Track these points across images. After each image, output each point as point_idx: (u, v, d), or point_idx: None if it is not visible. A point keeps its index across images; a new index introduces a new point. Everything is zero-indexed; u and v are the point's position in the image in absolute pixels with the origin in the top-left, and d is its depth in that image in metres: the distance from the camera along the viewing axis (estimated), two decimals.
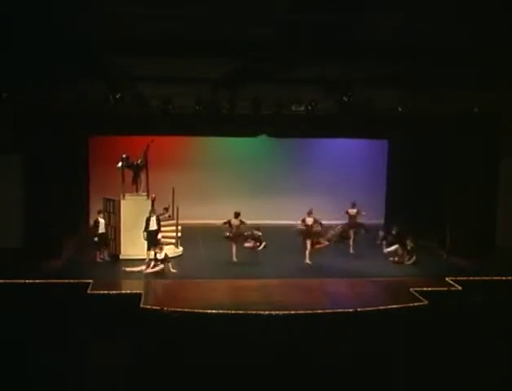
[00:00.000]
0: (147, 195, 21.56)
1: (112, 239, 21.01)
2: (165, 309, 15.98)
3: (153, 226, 20.22)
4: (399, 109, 19.90)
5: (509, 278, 19.03)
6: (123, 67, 17.77)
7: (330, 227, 21.56)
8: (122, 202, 21.10)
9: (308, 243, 20.63)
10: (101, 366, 12.63)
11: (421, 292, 17.64)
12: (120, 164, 21.27)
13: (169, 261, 19.60)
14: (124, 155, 21.36)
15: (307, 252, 20.59)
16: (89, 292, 17.29)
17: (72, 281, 18.08)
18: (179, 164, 25.80)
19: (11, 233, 20.24)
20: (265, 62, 17.57)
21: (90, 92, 18.76)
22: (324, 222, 21.05)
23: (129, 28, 15.73)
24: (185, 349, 13.23)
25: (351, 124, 21.10)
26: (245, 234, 20.90)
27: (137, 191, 21.68)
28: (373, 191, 25.96)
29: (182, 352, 13.12)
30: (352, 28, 15.96)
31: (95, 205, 23.85)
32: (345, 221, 22.09)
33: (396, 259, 21.10)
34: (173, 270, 19.51)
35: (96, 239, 20.65)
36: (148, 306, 16.29)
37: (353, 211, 22.02)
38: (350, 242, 21.96)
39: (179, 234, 22.10)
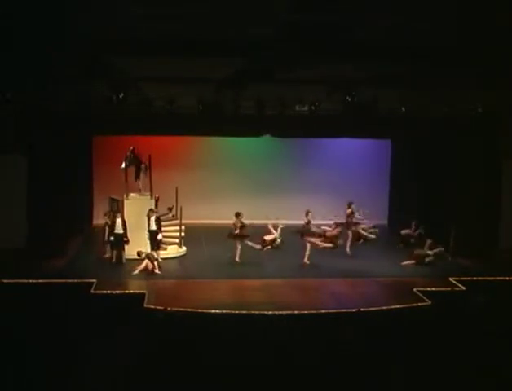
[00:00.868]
0: (151, 195, 21.60)
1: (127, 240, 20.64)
2: (169, 308, 16.01)
3: (152, 226, 20.25)
4: (403, 109, 19.90)
5: None
6: (124, 67, 17.80)
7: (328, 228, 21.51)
8: (126, 202, 21.15)
9: (308, 243, 20.63)
10: (103, 366, 12.64)
11: (424, 292, 17.60)
12: (123, 164, 21.36)
13: (154, 260, 19.57)
14: (131, 147, 21.55)
15: (307, 253, 20.58)
16: (92, 291, 17.33)
17: (75, 281, 18.11)
18: (183, 164, 25.78)
19: (14, 233, 20.22)
20: (266, 62, 17.58)
21: (91, 92, 18.84)
22: (320, 222, 21.06)
23: (129, 28, 15.77)
24: (189, 349, 13.21)
25: (355, 124, 21.06)
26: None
27: (139, 190, 21.74)
28: (377, 190, 25.94)
29: (185, 352, 13.09)
30: (352, 28, 15.97)
31: (99, 205, 23.97)
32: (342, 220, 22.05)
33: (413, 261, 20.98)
34: (157, 271, 19.47)
35: (112, 238, 20.49)
36: (152, 306, 16.30)
37: (348, 211, 21.92)
38: (348, 242, 21.88)
39: (183, 234, 22.11)
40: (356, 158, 26.53)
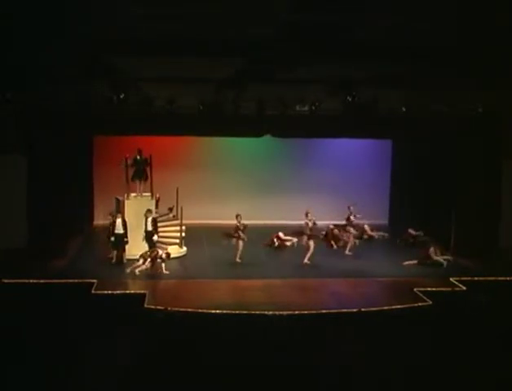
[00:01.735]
0: (152, 196, 21.62)
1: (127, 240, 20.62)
2: (169, 308, 16.02)
3: (148, 227, 20.27)
4: (403, 109, 19.90)
5: None
6: (124, 67, 17.81)
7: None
8: (126, 202, 21.17)
9: (309, 243, 20.64)
10: (103, 366, 12.66)
11: (424, 292, 17.63)
12: (125, 164, 21.36)
13: (164, 261, 19.51)
14: (138, 149, 21.61)
15: (308, 253, 20.59)
16: (93, 291, 17.36)
17: (76, 281, 18.13)
18: (183, 165, 25.75)
19: (15, 233, 20.22)
20: (266, 62, 17.58)
21: (91, 92, 18.84)
22: (319, 222, 21.02)
23: (129, 28, 15.77)
24: (189, 349, 13.24)
25: (355, 124, 21.04)
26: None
27: (139, 190, 21.76)
28: (378, 190, 25.96)
29: (185, 352, 13.13)
30: (352, 28, 15.97)
31: (100, 205, 23.97)
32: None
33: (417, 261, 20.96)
34: (165, 272, 19.45)
35: (113, 238, 20.50)
36: (152, 306, 16.31)
37: (348, 213, 21.95)
38: (348, 245, 21.80)
39: (183, 234, 22.11)
40: (357, 158, 26.50)
